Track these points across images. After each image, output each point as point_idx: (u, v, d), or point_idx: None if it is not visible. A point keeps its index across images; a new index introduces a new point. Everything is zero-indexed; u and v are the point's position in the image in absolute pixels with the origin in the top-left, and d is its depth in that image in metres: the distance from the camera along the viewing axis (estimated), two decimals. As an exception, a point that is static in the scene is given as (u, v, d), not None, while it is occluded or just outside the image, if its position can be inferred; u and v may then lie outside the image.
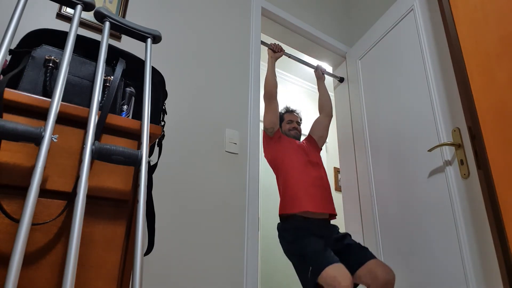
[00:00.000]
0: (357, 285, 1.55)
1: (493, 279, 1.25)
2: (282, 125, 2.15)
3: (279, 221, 1.75)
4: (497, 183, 1.15)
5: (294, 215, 1.66)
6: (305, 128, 2.82)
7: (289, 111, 2.20)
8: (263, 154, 2.20)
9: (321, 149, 2.10)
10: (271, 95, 1.88)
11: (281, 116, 2.19)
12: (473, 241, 1.35)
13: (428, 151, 1.59)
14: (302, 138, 2.14)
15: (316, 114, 3.71)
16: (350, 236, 1.68)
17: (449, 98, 1.55)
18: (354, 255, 1.55)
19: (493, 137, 1.19)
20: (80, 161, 0.76)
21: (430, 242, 1.53)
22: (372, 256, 1.53)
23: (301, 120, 2.22)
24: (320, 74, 2.29)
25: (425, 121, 1.66)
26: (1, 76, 0.79)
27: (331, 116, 2.18)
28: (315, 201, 1.69)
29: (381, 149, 1.95)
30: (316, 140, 2.09)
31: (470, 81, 1.29)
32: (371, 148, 2.03)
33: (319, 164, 1.90)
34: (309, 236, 1.56)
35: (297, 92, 3.89)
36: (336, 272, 1.35)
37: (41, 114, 0.74)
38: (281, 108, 2.24)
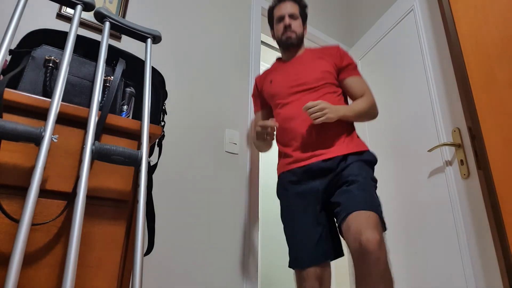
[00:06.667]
0: None
1: (493, 279, 1.25)
2: (274, 30, 1.51)
3: None
4: (497, 183, 1.15)
5: None
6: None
7: (277, 1, 1.48)
8: (263, 154, 2.21)
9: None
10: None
11: (270, 16, 1.53)
12: (473, 241, 1.35)
13: (428, 151, 1.59)
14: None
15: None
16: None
17: (449, 98, 1.55)
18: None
19: (493, 137, 1.19)
20: (80, 161, 0.76)
21: (430, 242, 1.53)
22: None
23: (303, 8, 1.47)
24: None
25: (425, 121, 1.66)
26: (1, 76, 0.79)
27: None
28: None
29: (381, 149, 1.95)
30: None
31: (470, 81, 1.29)
32: (371, 148, 2.03)
33: (314, 87, 1.34)
34: None
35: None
36: None
37: (41, 114, 0.74)
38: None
